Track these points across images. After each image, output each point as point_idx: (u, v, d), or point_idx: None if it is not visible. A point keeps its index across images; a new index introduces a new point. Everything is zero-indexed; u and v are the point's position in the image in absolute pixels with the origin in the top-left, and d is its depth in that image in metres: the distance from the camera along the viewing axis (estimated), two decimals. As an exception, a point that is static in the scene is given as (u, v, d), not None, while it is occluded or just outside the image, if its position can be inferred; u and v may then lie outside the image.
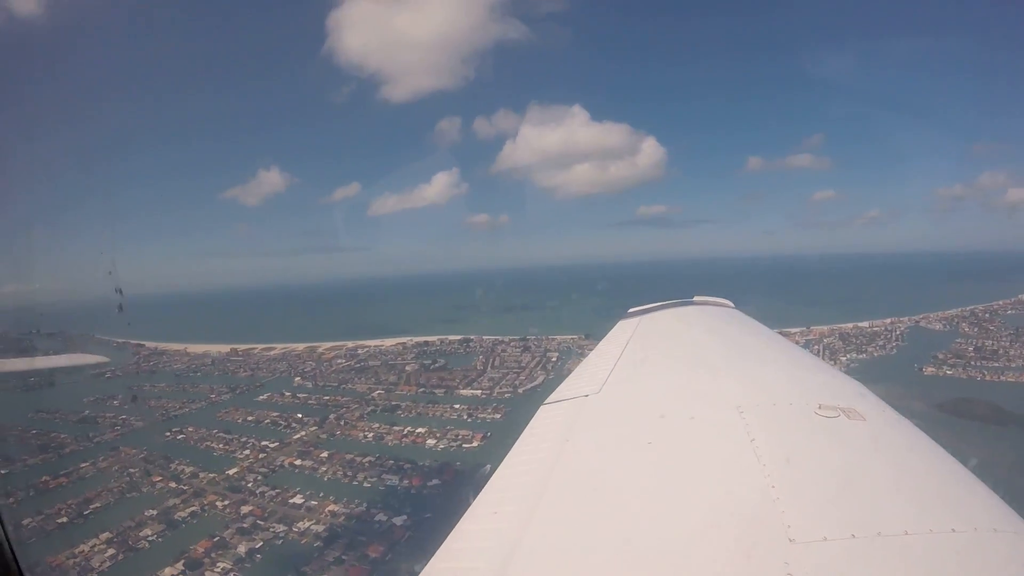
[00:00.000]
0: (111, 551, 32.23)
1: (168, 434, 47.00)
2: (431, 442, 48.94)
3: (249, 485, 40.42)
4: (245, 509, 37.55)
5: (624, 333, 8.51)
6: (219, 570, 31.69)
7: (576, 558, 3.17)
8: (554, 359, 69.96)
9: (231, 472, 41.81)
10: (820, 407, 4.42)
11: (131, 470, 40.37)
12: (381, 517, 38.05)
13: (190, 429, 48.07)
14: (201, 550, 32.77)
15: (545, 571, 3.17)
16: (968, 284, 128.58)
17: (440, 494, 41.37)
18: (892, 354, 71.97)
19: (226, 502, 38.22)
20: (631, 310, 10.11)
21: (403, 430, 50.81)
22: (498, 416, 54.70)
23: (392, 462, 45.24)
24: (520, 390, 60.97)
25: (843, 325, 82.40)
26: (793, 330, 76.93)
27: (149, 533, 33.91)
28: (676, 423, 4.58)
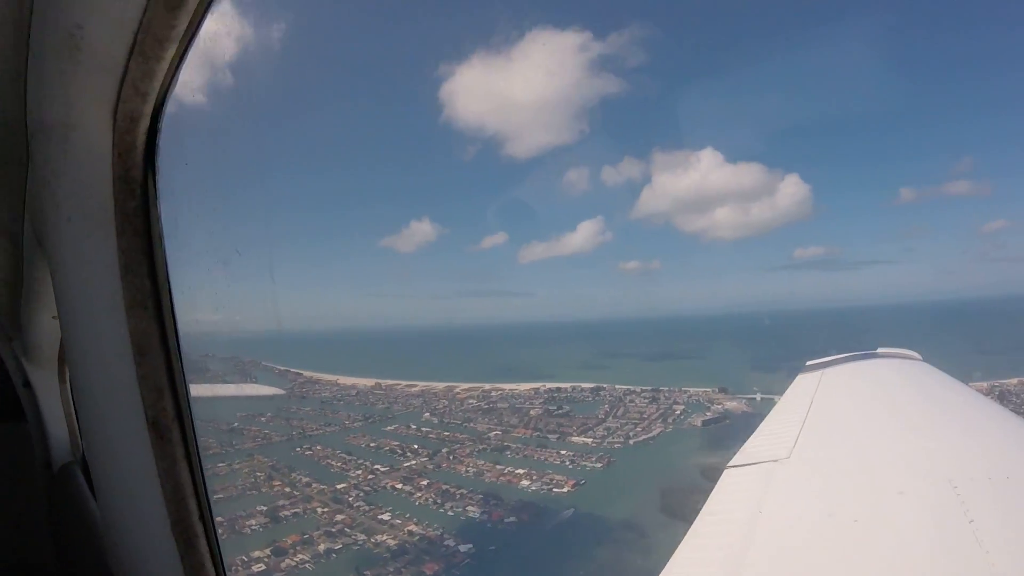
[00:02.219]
0: (220, 531, 40.96)
1: (298, 450, 56.06)
2: (525, 483, 52.90)
3: (350, 499, 47.68)
4: (339, 517, 44.68)
5: (806, 389, 8.26)
6: (297, 560, 38.99)
7: None
8: (678, 412, 70.62)
9: (339, 486, 49.42)
10: None
11: (258, 474, 49.48)
12: (450, 542, 43.21)
13: (318, 447, 56.84)
14: (290, 543, 40.22)
15: None
16: None
17: (511, 531, 46.08)
18: None
19: (325, 509, 45.72)
20: (809, 363, 9.86)
21: (503, 469, 55.35)
22: (599, 465, 57.22)
23: (481, 496, 50.21)
24: (631, 441, 62.80)
25: (1005, 381, 69.97)
26: (981, 384, 68.72)
27: (254, 523, 42.10)
28: (883, 498, 4.36)
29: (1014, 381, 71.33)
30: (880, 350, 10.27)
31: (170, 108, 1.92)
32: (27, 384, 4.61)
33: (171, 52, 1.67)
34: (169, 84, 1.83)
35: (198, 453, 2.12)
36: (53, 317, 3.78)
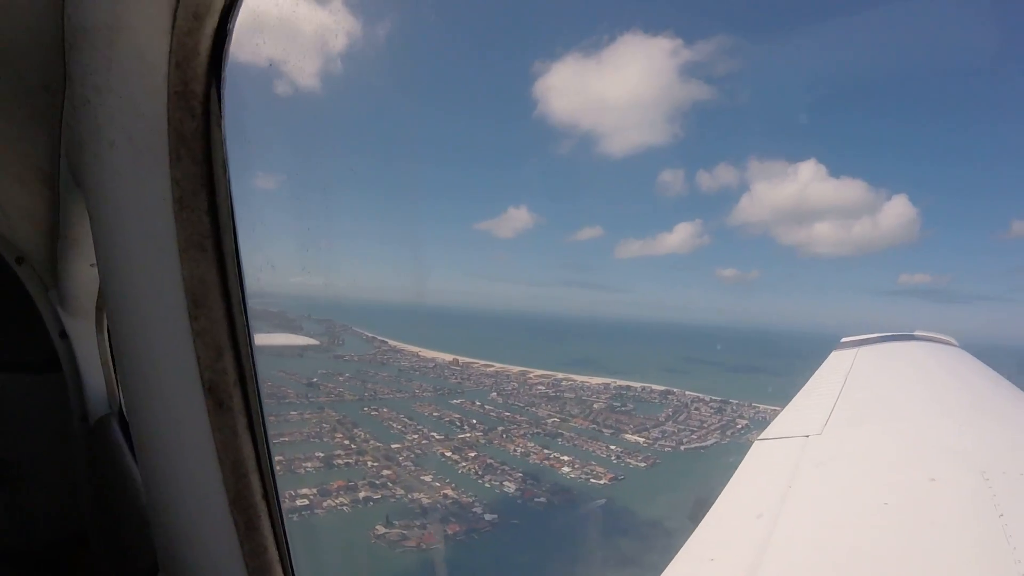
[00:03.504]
0: (278, 468, 48.04)
1: (366, 409, 61.83)
2: (566, 470, 56.58)
3: (400, 458, 53.24)
4: (385, 472, 50.19)
5: (840, 365, 8.30)
6: (338, 502, 45.25)
7: None
8: (740, 426, 71.16)
9: (394, 446, 55.02)
10: None
11: (324, 425, 55.92)
12: (477, 509, 47.75)
13: (384, 410, 62.44)
14: (335, 487, 46.13)
15: None
16: None
17: (538, 510, 49.88)
18: None
19: (376, 464, 51.42)
20: (845, 339, 9.95)
21: (549, 454, 59.09)
22: (643, 464, 59.83)
23: (521, 475, 54.23)
24: (682, 447, 64.84)
25: None
26: None
27: (309, 466, 48.54)
28: (914, 484, 4.35)
29: None
30: (918, 332, 10.14)
31: (249, 4, 1.56)
32: (63, 334, 4.56)
33: None
34: None
35: (264, 424, 1.94)
36: (92, 265, 3.64)
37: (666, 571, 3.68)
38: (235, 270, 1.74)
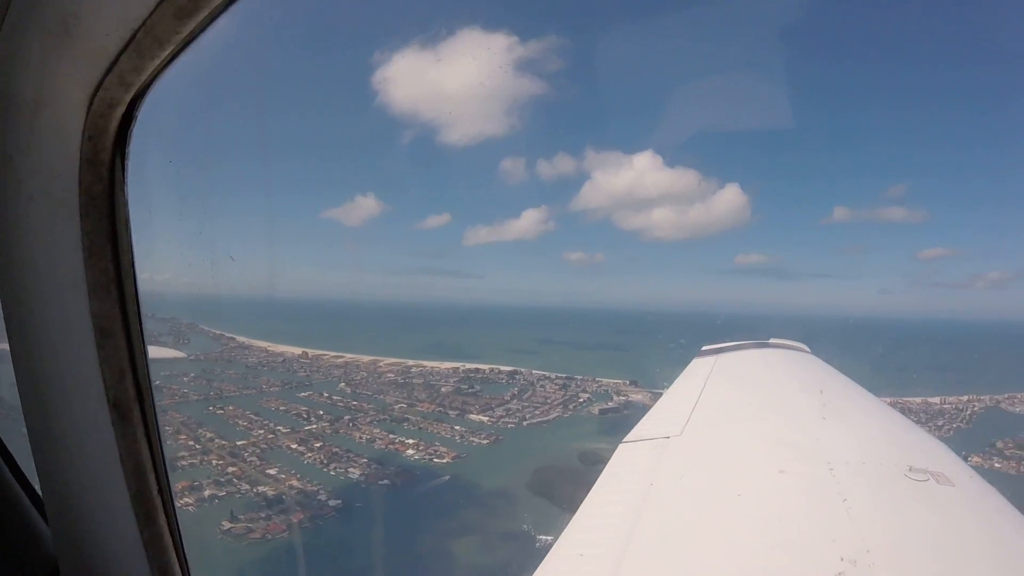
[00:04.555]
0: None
1: (211, 408, 62.40)
2: (410, 452, 59.78)
3: (245, 454, 54.56)
4: (230, 469, 51.46)
5: (701, 372, 8.78)
6: (182, 502, 46.48)
7: None
8: (582, 400, 77.20)
9: (239, 443, 56.21)
10: (910, 469, 4.59)
11: (167, 428, 57.14)
12: (322, 497, 50.18)
13: (230, 408, 63.26)
14: (180, 488, 47.49)
15: None
16: None
17: (382, 491, 53.08)
18: (947, 437, 67.06)
19: (221, 462, 52.51)
20: (705, 348, 10.53)
21: (395, 438, 61.99)
22: (486, 442, 64.06)
23: (365, 460, 57.00)
24: (525, 423, 69.42)
25: (910, 399, 77.12)
26: (885, 399, 74.25)
27: (151, 470, 50.28)
28: (765, 476, 4.79)
29: (918, 400, 77.61)
30: (772, 340, 10.89)
31: (151, 98, 1.92)
32: None
33: (168, 52, 1.71)
34: (155, 79, 1.85)
35: (159, 431, 2.22)
36: None
37: (539, 568, 3.94)
38: (135, 307, 2.10)
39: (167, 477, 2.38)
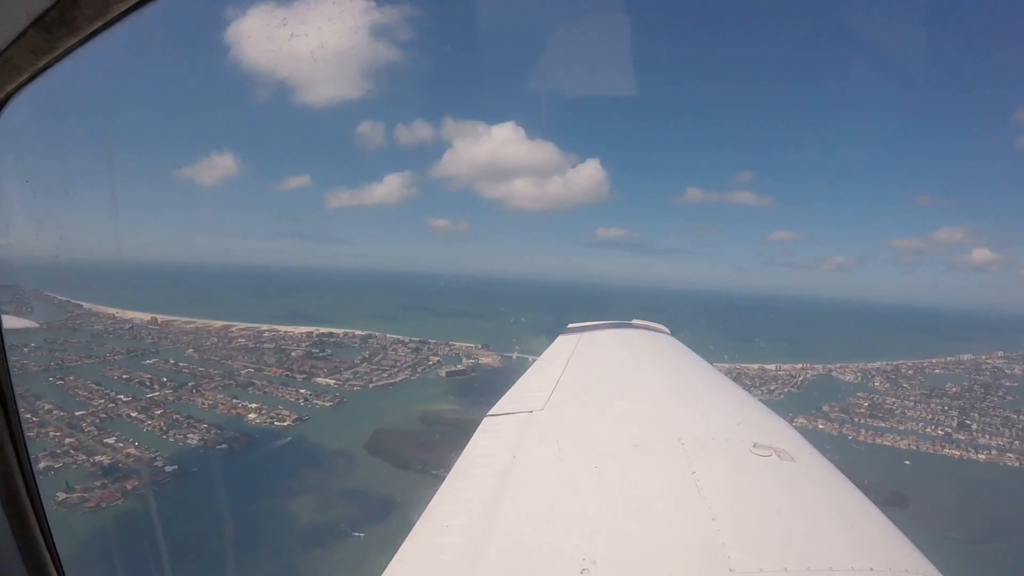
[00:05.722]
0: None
1: (51, 379, 62.70)
2: (252, 416, 63.03)
3: (84, 425, 56.16)
4: (68, 440, 52.94)
5: (565, 349, 9.06)
6: (16, 477, 49.26)
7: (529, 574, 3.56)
8: (431, 363, 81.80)
9: (78, 413, 57.53)
10: (755, 445, 4.91)
11: (-4, 402, 58.21)
12: (159, 463, 52.99)
13: (71, 378, 63.91)
14: None
15: None
16: (912, 338, 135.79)
17: (220, 456, 56.37)
18: (777, 400, 77.86)
19: (58, 433, 53.70)
20: (571, 325, 10.69)
21: (238, 403, 64.98)
22: (329, 404, 67.98)
23: (206, 426, 59.89)
24: (371, 386, 73.58)
25: (748, 365, 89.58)
26: (725, 365, 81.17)
27: (-16, 447, 51.84)
28: (621, 450, 5.02)
29: (755, 367, 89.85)
30: (635, 321, 11.20)
31: None
32: None
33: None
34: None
35: (23, 436, 2.22)
36: None
37: (406, 540, 4.05)
38: None
39: (35, 481, 2.52)
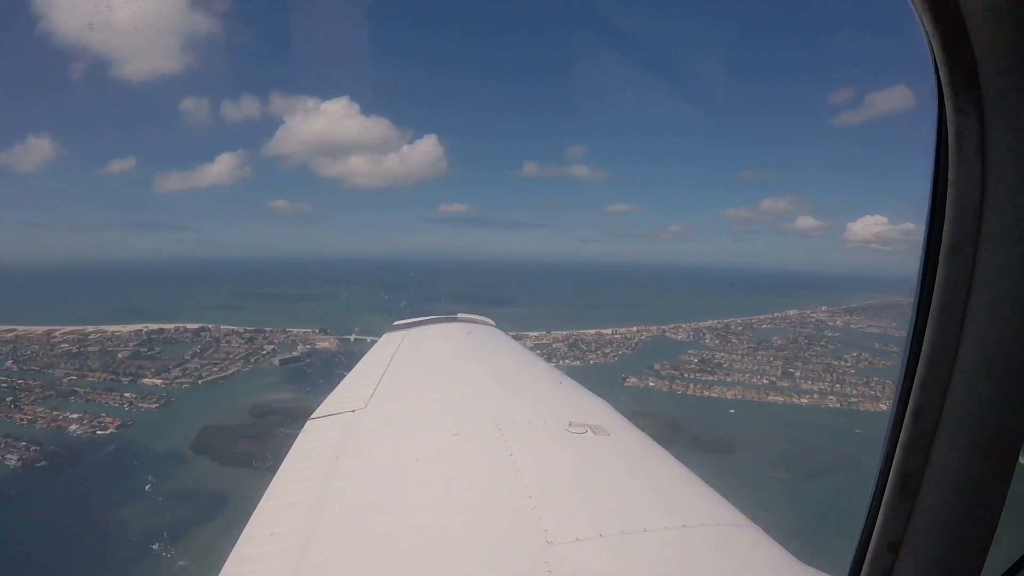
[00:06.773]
0: None
1: None
2: (73, 427, 61.99)
3: None
4: None
5: (389, 347, 9.15)
6: None
7: (356, 571, 3.63)
8: (265, 351, 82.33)
9: None
10: (571, 424, 5.18)
11: None
12: None
13: None
14: None
15: None
16: (744, 298, 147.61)
17: (39, 474, 55.61)
18: (612, 362, 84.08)
19: None
20: (396, 323, 10.83)
21: (59, 415, 63.51)
22: (155, 406, 67.68)
23: (24, 444, 58.56)
24: (200, 382, 73.67)
25: (585, 331, 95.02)
26: (532, 334, 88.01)
27: None
28: (441, 439, 5.27)
29: (592, 332, 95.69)
30: (459, 315, 11.34)
31: None
32: None
33: None
34: None
35: None
36: None
37: (232, 552, 3.97)
38: None
39: None
